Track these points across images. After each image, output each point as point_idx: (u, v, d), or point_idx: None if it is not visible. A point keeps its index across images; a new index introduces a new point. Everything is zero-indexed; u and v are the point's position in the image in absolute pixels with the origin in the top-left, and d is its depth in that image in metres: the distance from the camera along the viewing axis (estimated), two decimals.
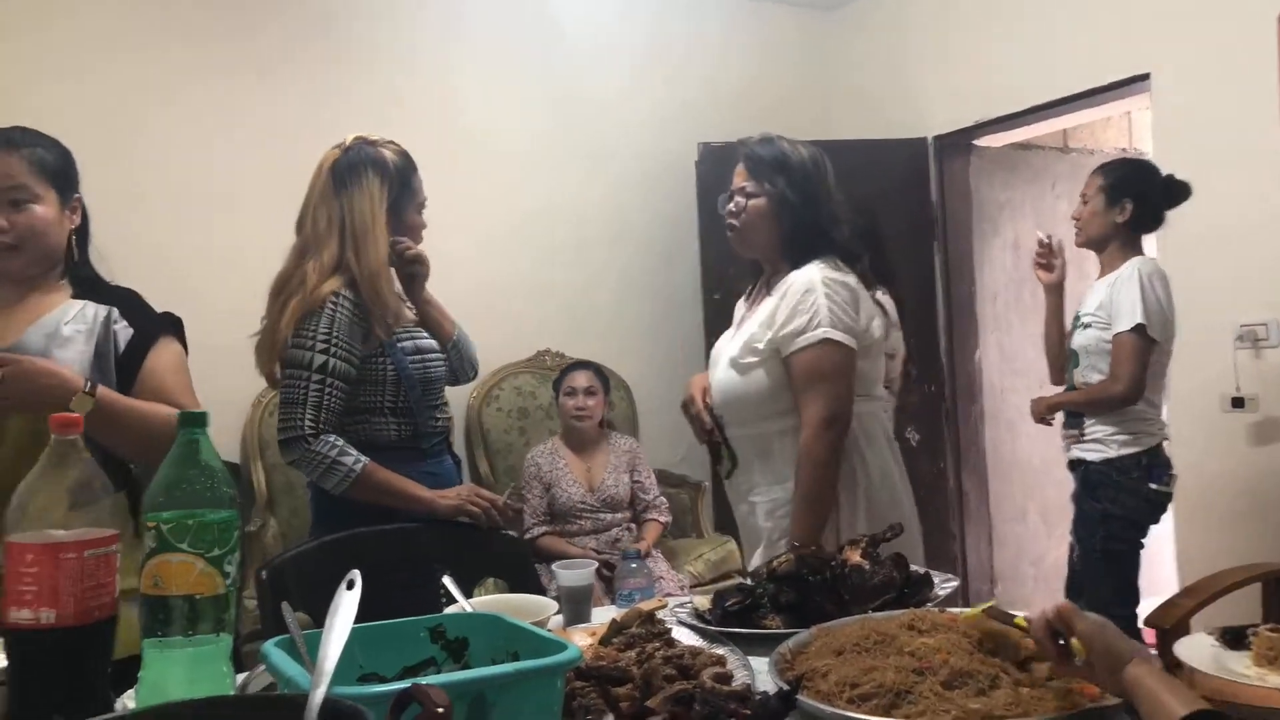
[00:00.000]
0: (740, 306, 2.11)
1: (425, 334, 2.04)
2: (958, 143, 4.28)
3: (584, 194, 4.16)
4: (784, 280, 1.91)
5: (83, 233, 1.71)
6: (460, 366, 2.16)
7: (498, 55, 4.04)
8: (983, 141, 4.30)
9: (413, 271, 2.04)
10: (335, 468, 1.84)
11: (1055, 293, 2.97)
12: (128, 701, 1.03)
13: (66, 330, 1.59)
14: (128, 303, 1.68)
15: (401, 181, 1.98)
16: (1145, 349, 2.68)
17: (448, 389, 2.12)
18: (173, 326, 1.71)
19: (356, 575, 0.96)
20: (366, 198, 1.92)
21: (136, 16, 3.49)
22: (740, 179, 1.99)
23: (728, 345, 2.00)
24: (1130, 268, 2.72)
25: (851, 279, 1.90)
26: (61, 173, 1.65)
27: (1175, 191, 2.82)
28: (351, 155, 1.95)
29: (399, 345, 1.95)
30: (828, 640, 1.19)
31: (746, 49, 4.46)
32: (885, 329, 1.96)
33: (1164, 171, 2.84)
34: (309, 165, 2.00)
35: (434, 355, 2.03)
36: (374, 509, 1.87)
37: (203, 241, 3.47)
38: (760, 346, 1.89)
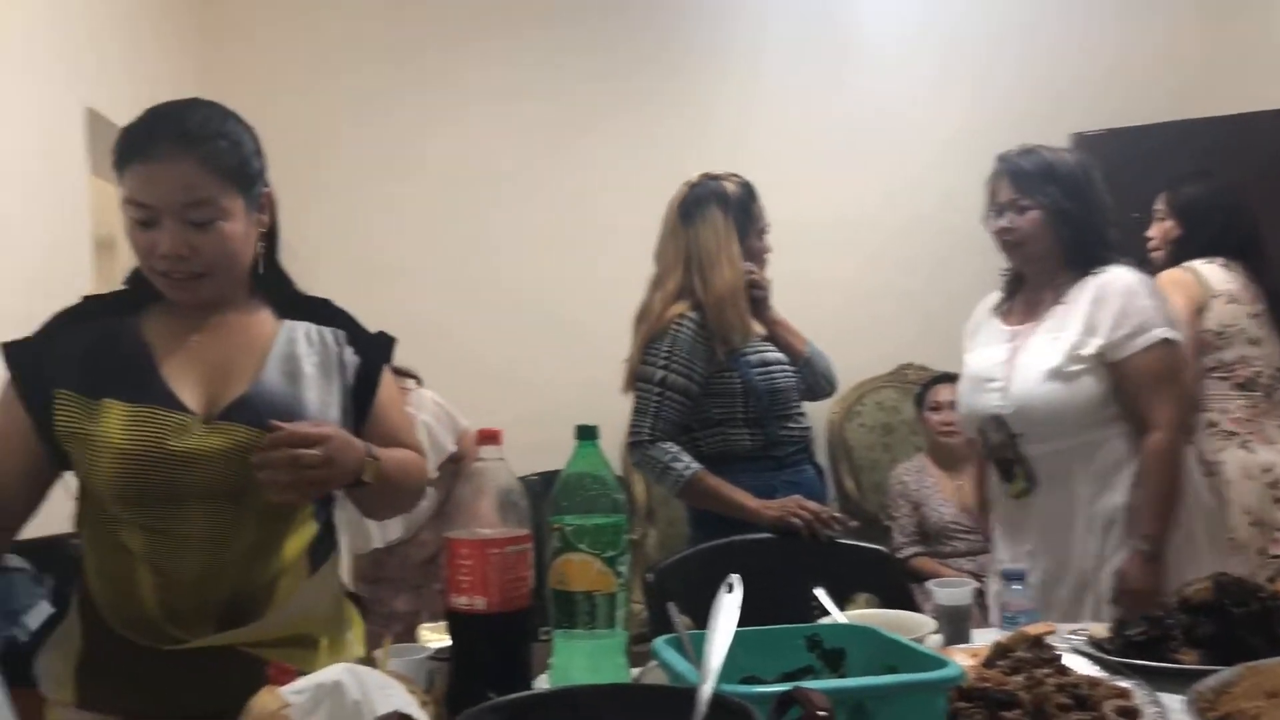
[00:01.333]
0: (990, 321, 2.09)
1: (773, 348, 2.16)
2: None
3: (948, 202, 3.99)
4: (1084, 286, 1.92)
5: (272, 233, 1.37)
6: (815, 382, 2.25)
7: (835, 63, 4.02)
8: None
9: (754, 295, 2.17)
10: (668, 471, 2.04)
11: None
12: (541, 683, 1.16)
13: (307, 367, 1.32)
14: (347, 322, 1.41)
15: (742, 210, 2.12)
16: None
17: (808, 405, 2.20)
18: (390, 350, 1.43)
19: (736, 579, 1.00)
20: (711, 229, 2.09)
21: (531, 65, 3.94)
22: (1008, 193, 2.01)
23: (1034, 359, 1.92)
24: None
25: (1149, 279, 1.96)
26: (245, 167, 1.27)
27: None
28: (697, 191, 2.14)
29: (745, 359, 2.08)
30: (1259, 681, 1.04)
31: (1113, 32, 4.02)
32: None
33: None
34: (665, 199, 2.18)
35: (780, 367, 2.14)
36: (731, 521, 1.99)
37: (585, 275, 3.82)
38: (1087, 353, 1.87)
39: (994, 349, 2.03)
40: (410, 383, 2.51)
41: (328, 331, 1.36)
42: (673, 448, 2.04)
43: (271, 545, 1.28)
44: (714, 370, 2.07)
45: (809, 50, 4.02)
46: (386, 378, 1.41)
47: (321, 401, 1.30)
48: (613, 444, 3.61)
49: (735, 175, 2.17)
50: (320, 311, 1.39)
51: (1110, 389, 1.88)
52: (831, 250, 3.78)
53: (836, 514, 2.03)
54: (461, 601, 1.09)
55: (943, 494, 3.39)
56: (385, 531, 2.45)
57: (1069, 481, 1.91)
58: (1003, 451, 1.95)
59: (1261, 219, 2.65)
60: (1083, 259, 1.95)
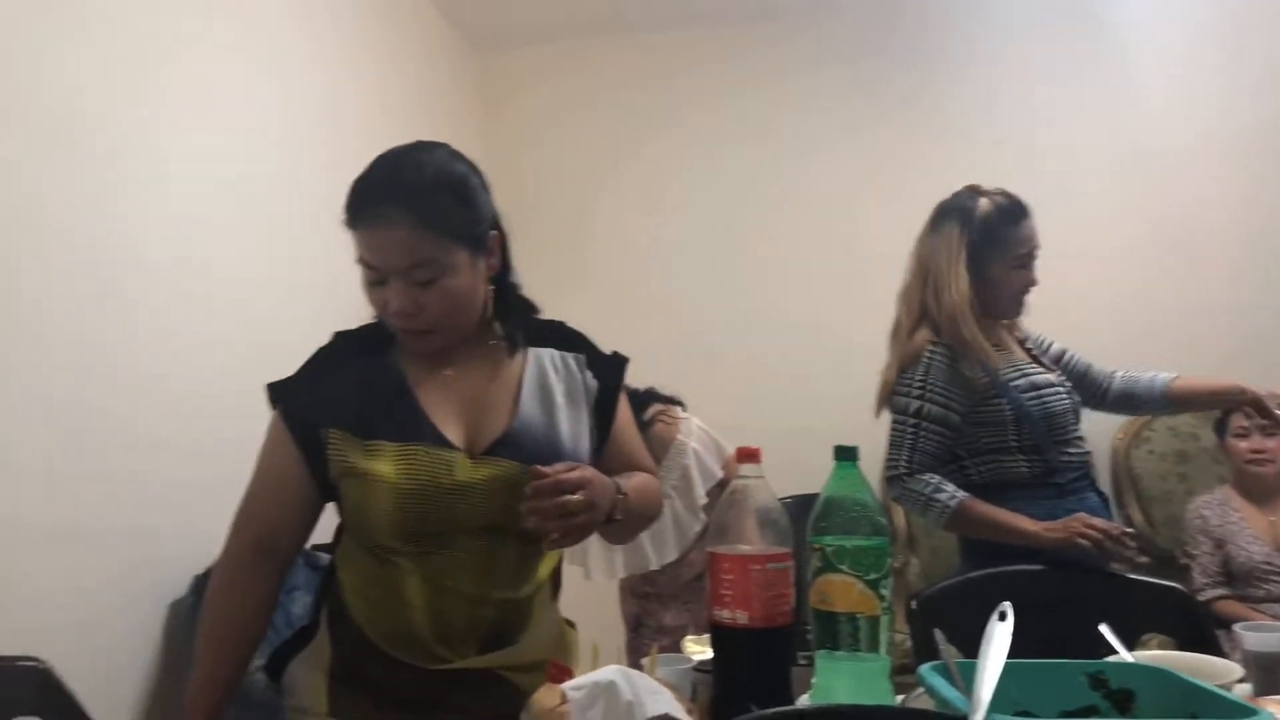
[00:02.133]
0: None
1: (1039, 369, 2.03)
2: None
3: (1250, 205, 3.59)
4: None
5: (505, 269, 1.37)
6: (1092, 395, 2.14)
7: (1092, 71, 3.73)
8: None
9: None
10: (932, 503, 1.94)
11: None
12: (804, 701, 1.16)
13: (558, 397, 1.36)
14: (586, 345, 1.43)
15: (985, 231, 1.99)
16: None
17: (1088, 429, 2.05)
18: (623, 370, 1.44)
19: (1008, 607, 0.96)
20: (945, 244, 2.01)
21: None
22: None
23: None
24: None
25: None
26: (468, 221, 1.28)
27: None
28: (947, 203, 2.05)
29: (1012, 384, 1.96)
30: None
31: None
32: None
33: None
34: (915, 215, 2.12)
35: (1052, 390, 1.99)
36: (1022, 550, 1.86)
37: (842, 292, 3.77)
38: None
39: None
40: (678, 410, 2.60)
41: (570, 357, 1.39)
42: (933, 479, 1.95)
43: (529, 569, 1.34)
44: (978, 398, 1.97)
45: (1075, 48, 3.77)
46: (622, 399, 1.43)
47: (574, 432, 1.34)
48: (872, 465, 3.55)
49: (1002, 192, 2.04)
50: (560, 336, 1.41)
51: None
52: (1120, 264, 3.52)
53: (1129, 530, 1.86)
54: (724, 615, 1.11)
55: (1252, 530, 3.02)
56: (661, 553, 2.54)
57: None
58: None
59: None
60: None
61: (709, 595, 1.14)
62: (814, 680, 1.12)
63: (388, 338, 1.34)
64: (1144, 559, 2.62)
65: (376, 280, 1.27)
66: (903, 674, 1.21)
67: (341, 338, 1.38)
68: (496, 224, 1.34)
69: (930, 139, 3.80)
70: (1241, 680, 1.28)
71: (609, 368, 1.41)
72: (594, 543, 2.55)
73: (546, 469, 1.21)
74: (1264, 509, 3.04)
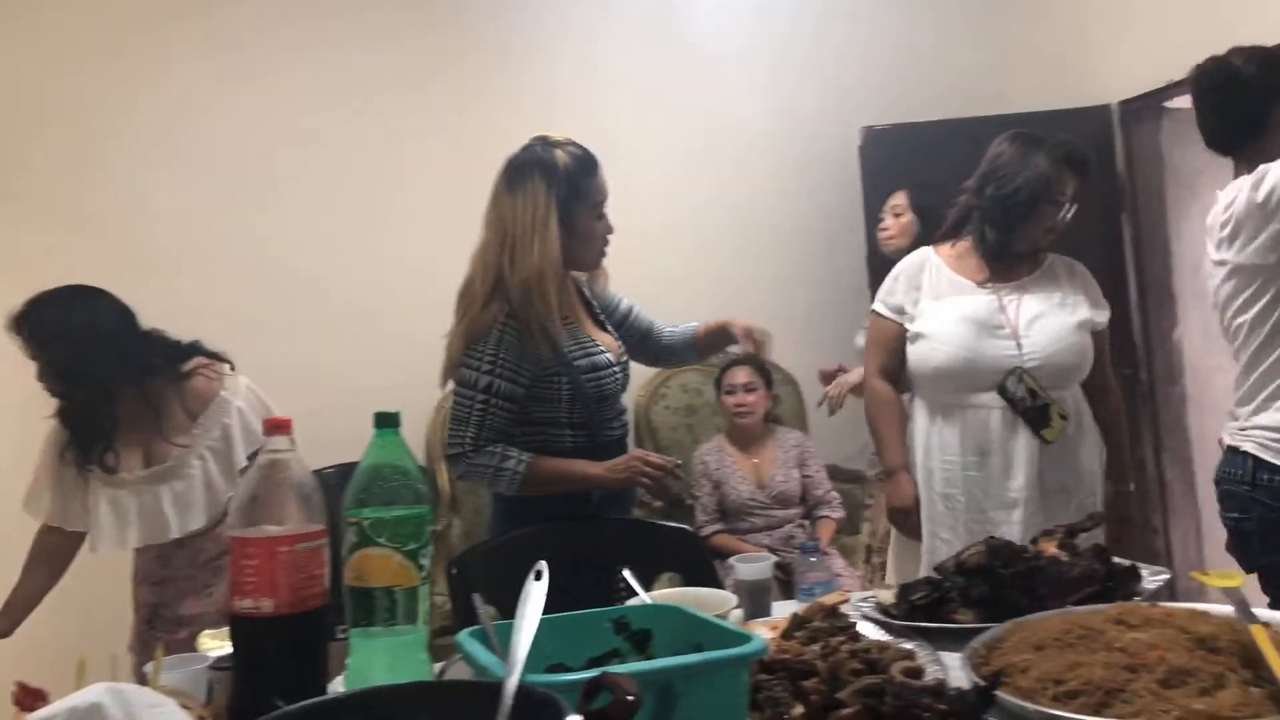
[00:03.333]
0: (949, 278, 2.28)
1: (601, 348, 2.03)
2: (1146, 106, 3.97)
3: (744, 187, 4.13)
4: (1066, 263, 2.31)
5: None
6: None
7: (658, 59, 4.07)
8: (1175, 103, 3.97)
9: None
10: (501, 473, 1.91)
11: None
12: (337, 686, 1.09)
13: None
14: None
15: (570, 185, 1.94)
16: None
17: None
18: None
19: (544, 566, 0.98)
20: (529, 202, 1.92)
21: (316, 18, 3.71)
22: (1074, 189, 2.21)
23: (1053, 318, 2.21)
24: None
25: None
26: None
27: None
28: (524, 157, 1.96)
29: (575, 363, 1.96)
30: (1025, 635, 1.13)
31: (909, 26, 4.30)
32: None
33: None
34: (472, 169, 2.06)
35: (608, 371, 2.02)
36: (550, 508, 1.93)
37: (400, 257, 3.66)
38: (1086, 318, 2.24)
39: (977, 301, 2.23)
40: (225, 368, 2.30)
41: None
42: (499, 448, 1.91)
43: None
44: (540, 372, 1.94)
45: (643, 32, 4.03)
46: None
47: None
48: (412, 433, 3.51)
49: (571, 141, 1.98)
50: None
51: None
52: (626, 235, 3.82)
53: (679, 463, 2.01)
54: (246, 605, 1.01)
55: (741, 472, 3.52)
56: (185, 520, 2.19)
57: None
58: (1027, 401, 2.15)
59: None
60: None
61: (230, 584, 1.03)
62: (348, 661, 1.06)
63: None
64: (658, 504, 2.92)
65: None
66: (445, 636, 1.20)
67: None
68: None
69: (477, 93, 3.82)
70: (737, 607, 1.46)
71: None
72: (102, 506, 2.19)
73: None
74: (748, 453, 3.56)
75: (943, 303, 2.24)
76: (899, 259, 2.43)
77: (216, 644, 1.31)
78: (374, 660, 1.05)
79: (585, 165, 1.97)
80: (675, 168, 4.05)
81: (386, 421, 1.13)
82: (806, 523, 3.53)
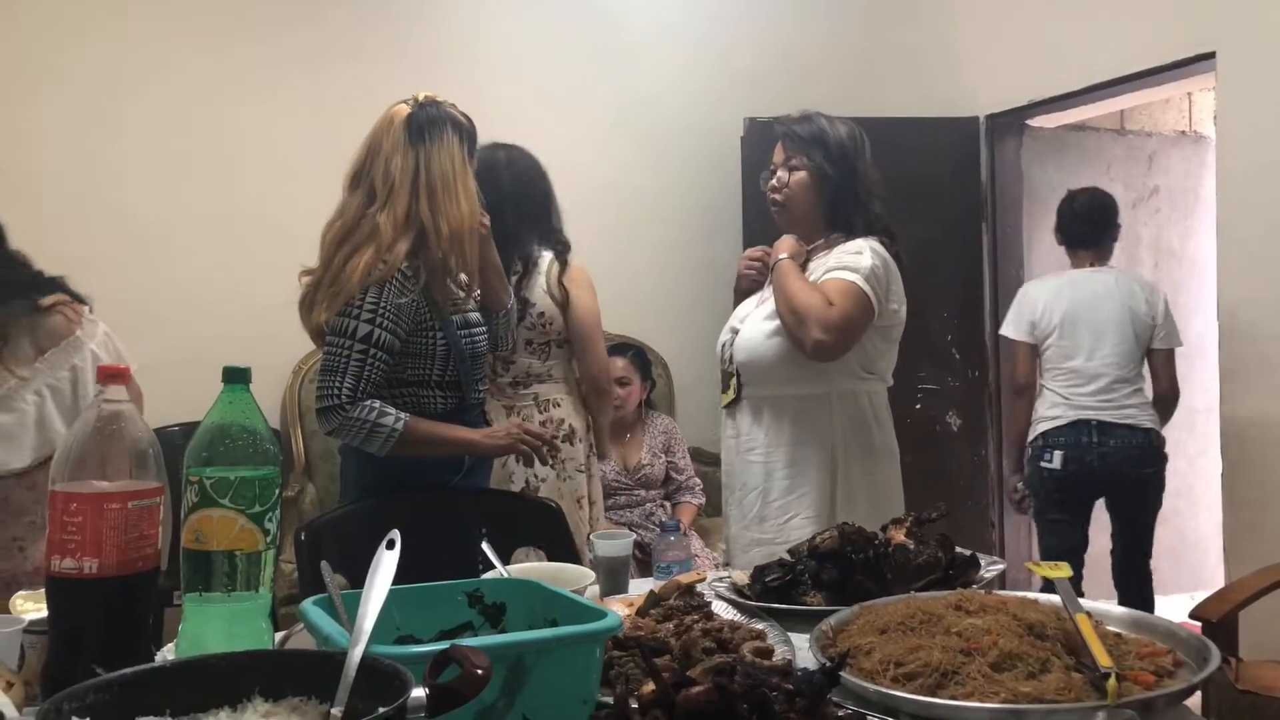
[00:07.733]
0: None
1: (473, 307, 2.02)
2: (1010, 123, 4.17)
3: (629, 173, 4.12)
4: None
5: None
6: (504, 336, 2.17)
7: (541, 34, 4.00)
8: (1036, 122, 4.19)
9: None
10: (377, 430, 1.81)
11: None
12: (167, 654, 1.03)
13: None
14: None
15: (473, 148, 1.96)
16: None
17: None
18: None
19: (396, 535, 0.95)
20: (447, 154, 1.88)
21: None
22: (780, 155, 2.08)
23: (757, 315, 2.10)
24: None
25: (891, 260, 2.01)
26: None
27: None
28: (430, 111, 1.90)
29: (450, 319, 1.92)
30: (871, 618, 1.17)
31: (793, 24, 4.38)
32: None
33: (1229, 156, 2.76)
34: (344, 136, 1.98)
35: (479, 330, 2.01)
36: (418, 475, 1.88)
37: (254, 210, 3.49)
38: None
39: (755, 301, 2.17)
40: (85, 309, 2.11)
41: None
42: (375, 404, 1.82)
43: None
44: (415, 328, 1.87)
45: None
46: None
47: None
48: (267, 395, 3.37)
49: (453, 105, 1.95)
50: None
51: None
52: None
53: (556, 435, 2.01)
54: (67, 565, 0.93)
55: (609, 456, 3.53)
56: (6, 454, 1.98)
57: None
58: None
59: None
60: (840, 225, 2.03)
61: (48, 541, 0.95)
62: (181, 627, 1.00)
63: None
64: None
65: None
66: (292, 604, 1.15)
67: None
68: None
69: (348, 48, 3.66)
70: (595, 583, 1.46)
71: None
72: None
73: None
74: (617, 439, 3.57)
75: None
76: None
77: (33, 606, 1.21)
78: (210, 627, 0.99)
79: (474, 132, 1.97)
80: (565, 153, 3.99)
81: (236, 377, 1.06)
82: (666, 504, 3.58)
